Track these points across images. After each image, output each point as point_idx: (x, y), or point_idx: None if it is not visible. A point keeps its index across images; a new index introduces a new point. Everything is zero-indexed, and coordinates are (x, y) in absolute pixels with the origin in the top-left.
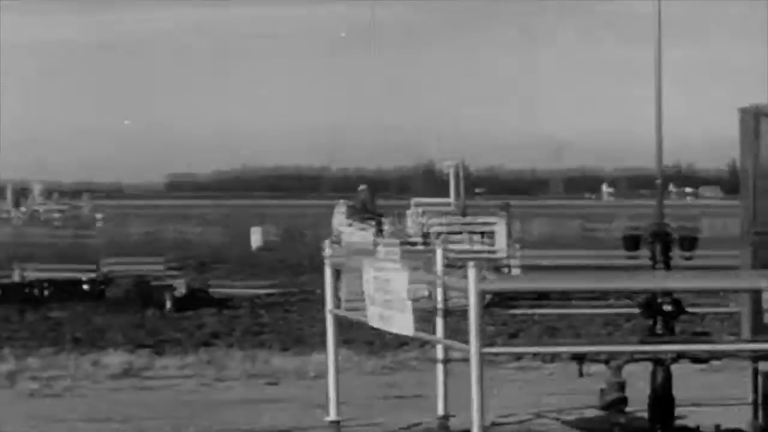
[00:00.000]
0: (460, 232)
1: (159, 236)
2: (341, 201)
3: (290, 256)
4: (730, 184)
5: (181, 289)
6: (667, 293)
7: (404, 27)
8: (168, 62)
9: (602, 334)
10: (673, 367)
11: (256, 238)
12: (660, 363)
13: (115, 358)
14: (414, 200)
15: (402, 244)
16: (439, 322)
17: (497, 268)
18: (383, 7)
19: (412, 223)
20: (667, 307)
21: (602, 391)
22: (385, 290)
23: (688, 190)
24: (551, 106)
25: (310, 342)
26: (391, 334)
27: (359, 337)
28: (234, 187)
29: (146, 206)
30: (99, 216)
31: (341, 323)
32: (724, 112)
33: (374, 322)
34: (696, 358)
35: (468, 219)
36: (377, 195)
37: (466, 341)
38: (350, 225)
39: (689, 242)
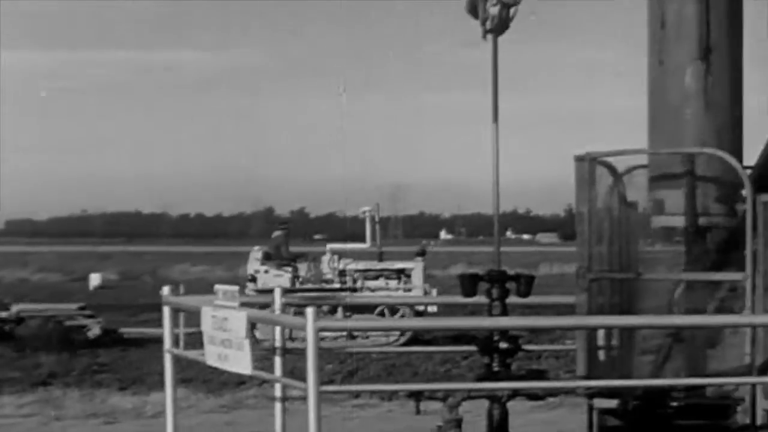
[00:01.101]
0: (377, 277)
1: None
2: (256, 247)
3: (128, 296)
4: (566, 229)
5: (95, 330)
6: (504, 332)
7: (248, 72)
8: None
9: (440, 371)
10: (511, 404)
11: (95, 279)
12: (496, 400)
13: None
14: (329, 245)
15: (319, 288)
16: (278, 361)
17: (417, 311)
18: (224, 53)
19: (328, 268)
20: (503, 345)
21: (439, 428)
22: (224, 329)
23: (525, 236)
24: (389, 150)
25: (148, 381)
26: (229, 372)
27: (198, 376)
28: (72, 231)
29: None
30: None
31: (180, 362)
32: (561, 159)
33: (212, 361)
34: (532, 395)
35: (385, 264)
36: (290, 239)
37: (305, 379)
38: (266, 271)
39: (525, 284)
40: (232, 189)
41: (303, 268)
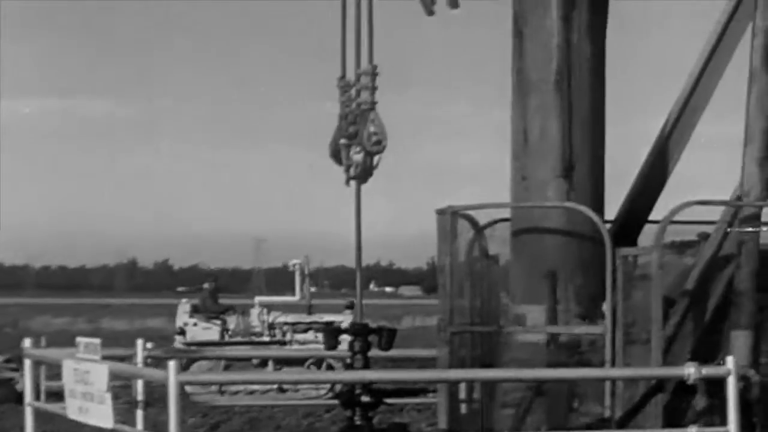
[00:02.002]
0: (306, 330)
1: None
2: (184, 300)
3: None
4: (429, 282)
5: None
6: (366, 385)
7: (109, 122)
8: None
9: (303, 425)
10: None
11: None
12: None
13: None
14: (258, 298)
15: (248, 341)
16: (139, 414)
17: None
18: (74, 101)
19: (257, 321)
20: (365, 399)
21: None
22: (85, 382)
23: (388, 289)
24: (252, 202)
25: None
26: (90, 426)
27: (60, 429)
28: None
29: None
30: None
31: (41, 415)
32: (423, 212)
33: (73, 415)
34: None
35: (314, 316)
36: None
37: None
38: (195, 324)
39: (387, 338)
40: (95, 241)
41: (232, 321)
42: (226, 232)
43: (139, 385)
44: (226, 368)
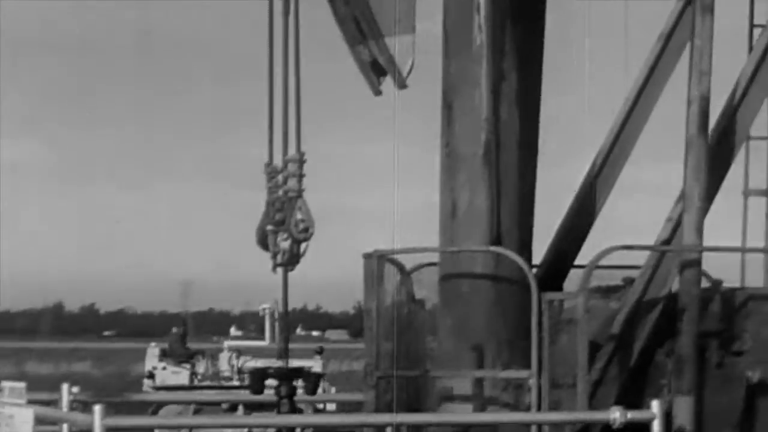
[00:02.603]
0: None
1: None
2: (153, 343)
3: None
4: (356, 326)
5: None
6: (291, 429)
7: (38, 165)
8: None
9: None
10: None
11: None
12: None
13: None
14: (227, 342)
15: (218, 386)
16: None
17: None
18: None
19: (226, 365)
20: None
21: None
22: (9, 427)
23: (315, 333)
24: (179, 245)
25: None
26: None
27: None
28: None
29: None
30: None
31: None
32: (350, 255)
33: None
34: None
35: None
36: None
37: None
38: (164, 368)
39: (313, 382)
40: (20, 284)
41: (201, 365)
42: (153, 275)
43: (65, 429)
44: (197, 412)
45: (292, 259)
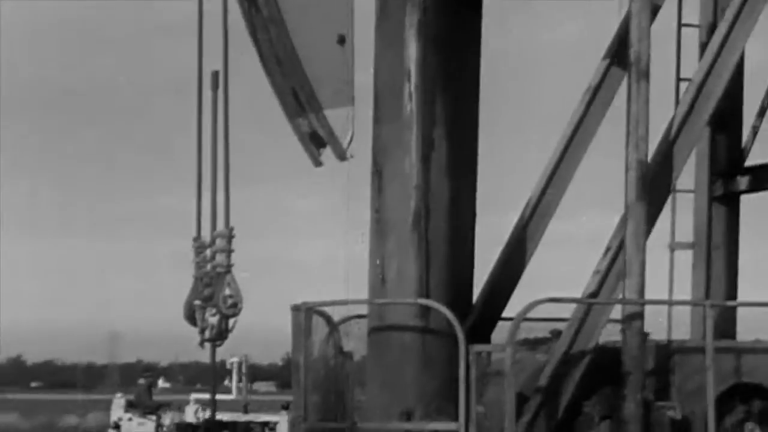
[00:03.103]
0: (245, 429)
1: None
2: (119, 394)
3: None
4: (284, 378)
5: None
6: None
7: None
8: None
9: None
10: None
11: None
12: None
13: None
14: (193, 395)
15: None
16: None
17: None
18: None
19: (192, 418)
20: None
21: None
22: None
23: (241, 384)
24: (107, 296)
25: None
26: None
27: None
28: None
29: None
30: None
31: None
32: (279, 308)
33: None
34: None
35: (250, 416)
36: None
37: None
38: (130, 419)
39: None
40: None
41: (167, 417)
42: (81, 326)
43: None
44: None
45: (220, 335)
